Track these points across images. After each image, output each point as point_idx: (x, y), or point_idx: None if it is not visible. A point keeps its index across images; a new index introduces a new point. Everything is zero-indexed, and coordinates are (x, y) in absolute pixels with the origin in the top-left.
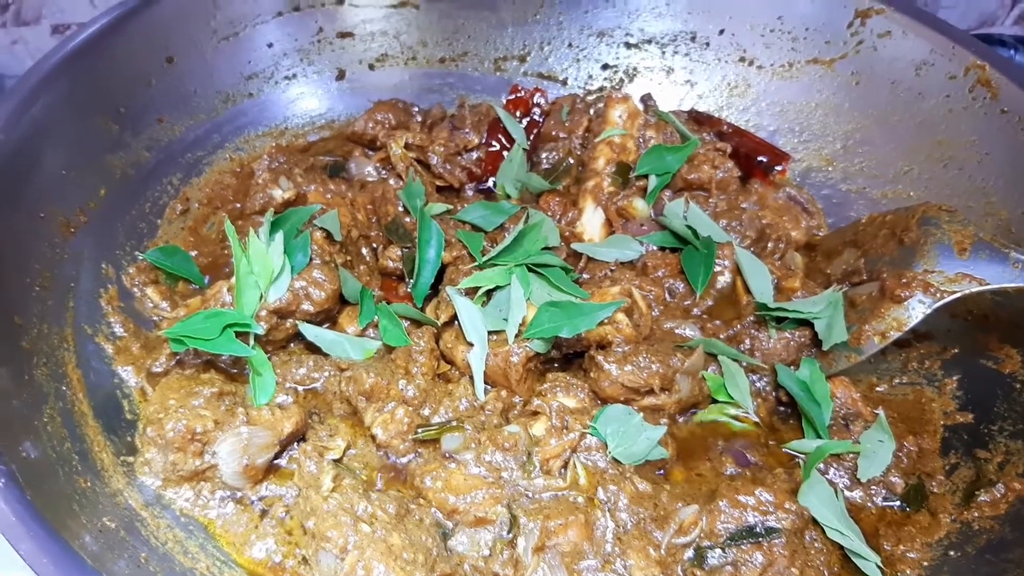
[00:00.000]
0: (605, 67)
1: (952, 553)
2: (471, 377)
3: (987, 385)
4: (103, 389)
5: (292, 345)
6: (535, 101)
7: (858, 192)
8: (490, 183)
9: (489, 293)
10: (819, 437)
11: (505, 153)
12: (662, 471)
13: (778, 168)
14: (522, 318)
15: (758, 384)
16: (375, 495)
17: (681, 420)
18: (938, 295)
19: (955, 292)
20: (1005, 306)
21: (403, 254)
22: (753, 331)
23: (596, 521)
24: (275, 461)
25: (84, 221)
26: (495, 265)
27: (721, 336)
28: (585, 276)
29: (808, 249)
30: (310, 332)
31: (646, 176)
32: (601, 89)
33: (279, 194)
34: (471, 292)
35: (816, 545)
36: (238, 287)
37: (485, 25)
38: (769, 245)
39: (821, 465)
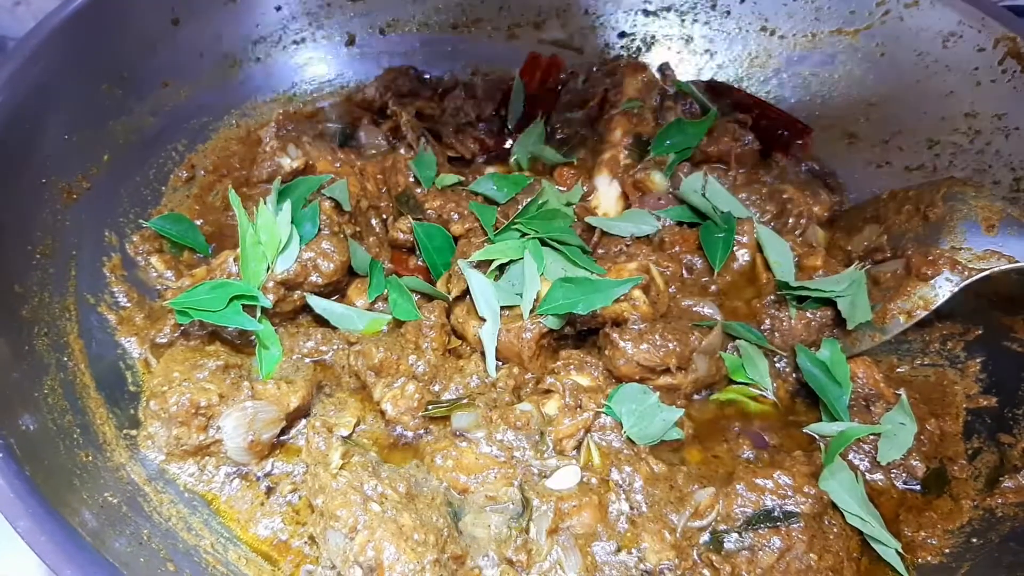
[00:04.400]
0: (622, 35)
1: (975, 540)
2: (482, 353)
3: (1012, 368)
4: (106, 360)
5: (300, 317)
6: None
7: (881, 167)
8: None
9: (502, 267)
10: (836, 419)
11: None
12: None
13: (799, 141)
14: (536, 293)
15: (778, 365)
16: (385, 473)
17: (697, 400)
18: (966, 273)
19: (984, 270)
20: None
21: (413, 226)
22: (773, 310)
23: (610, 503)
24: (282, 437)
25: (87, 187)
26: (509, 235)
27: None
28: (600, 251)
29: (829, 225)
30: (318, 304)
31: None
32: (618, 58)
33: (287, 162)
34: (483, 265)
35: (835, 530)
36: (244, 257)
37: None
38: (790, 221)
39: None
